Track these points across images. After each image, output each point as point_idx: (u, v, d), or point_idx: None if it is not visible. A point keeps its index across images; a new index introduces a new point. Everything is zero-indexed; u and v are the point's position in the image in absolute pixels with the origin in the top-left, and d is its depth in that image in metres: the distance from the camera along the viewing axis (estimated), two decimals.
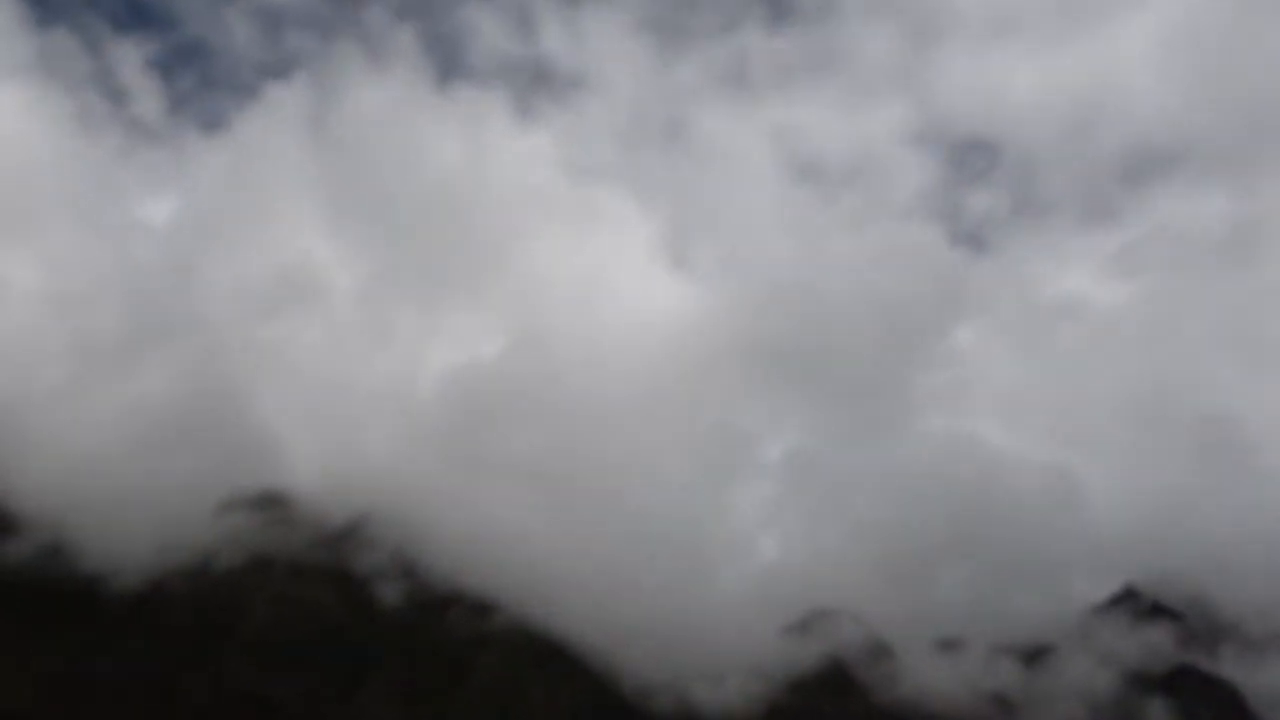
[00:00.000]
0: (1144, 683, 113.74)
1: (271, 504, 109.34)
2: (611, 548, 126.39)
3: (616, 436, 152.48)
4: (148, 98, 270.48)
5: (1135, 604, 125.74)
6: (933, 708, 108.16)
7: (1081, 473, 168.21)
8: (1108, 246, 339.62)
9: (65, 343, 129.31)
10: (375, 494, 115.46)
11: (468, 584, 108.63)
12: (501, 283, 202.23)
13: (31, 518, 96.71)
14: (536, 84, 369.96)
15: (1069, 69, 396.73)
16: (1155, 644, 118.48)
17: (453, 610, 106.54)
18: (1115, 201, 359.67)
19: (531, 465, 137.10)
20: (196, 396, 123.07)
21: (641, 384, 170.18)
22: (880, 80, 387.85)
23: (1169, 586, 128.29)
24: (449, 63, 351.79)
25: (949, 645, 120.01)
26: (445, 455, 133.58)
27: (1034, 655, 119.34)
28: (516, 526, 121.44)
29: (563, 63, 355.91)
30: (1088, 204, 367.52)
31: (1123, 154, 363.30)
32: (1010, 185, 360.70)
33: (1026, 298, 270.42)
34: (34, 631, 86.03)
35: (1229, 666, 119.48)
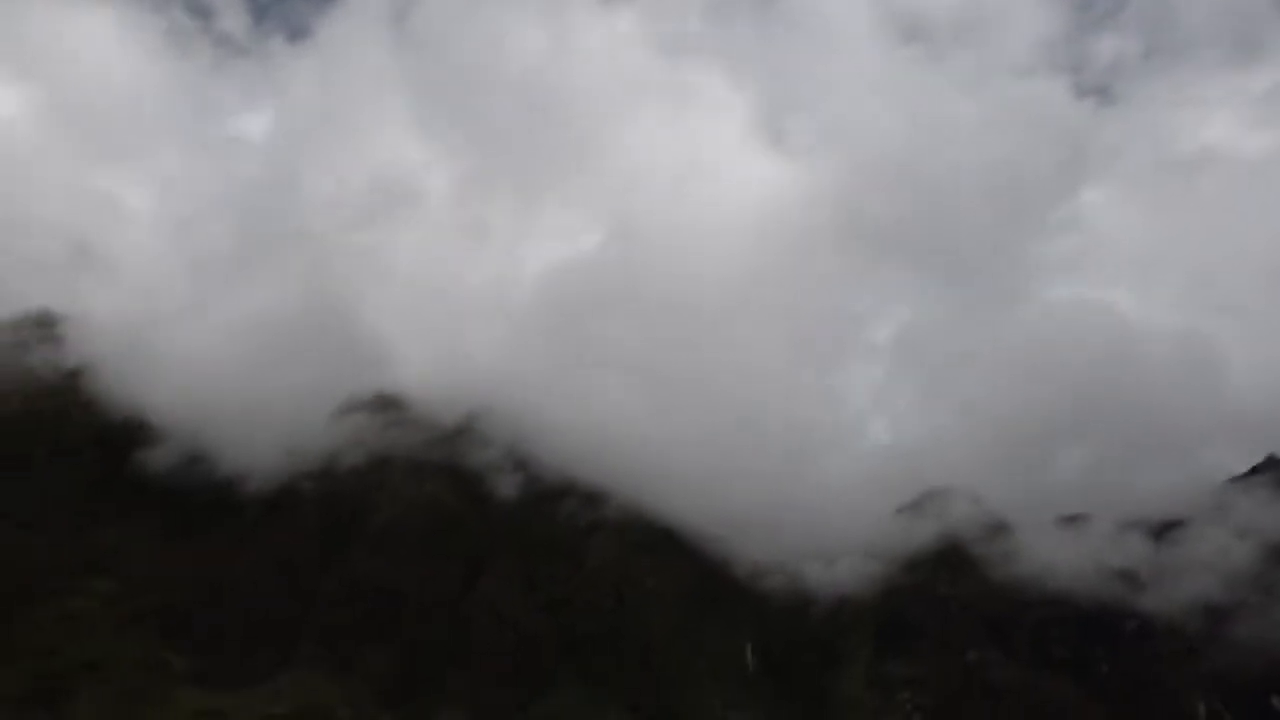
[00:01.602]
0: None
1: (387, 406, 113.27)
2: (720, 434, 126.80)
3: (720, 324, 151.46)
4: (232, 12, 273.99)
5: (1277, 474, 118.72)
6: (1055, 584, 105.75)
7: (1220, 340, 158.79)
8: (1255, 87, 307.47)
9: (182, 260, 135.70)
10: (485, 391, 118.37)
11: (579, 474, 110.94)
12: (596, 173, 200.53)
13: (170, 428, 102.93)
14: None
15: None
16: None
17: (565, 500, 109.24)
18: (1264, 35, 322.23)
19: (636, 357, 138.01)
20: (308, 306, 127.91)
21: (745, 268, 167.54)
22: None
23: None
24: None
25: (1072, 522, 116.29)
26: (550, 350, 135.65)
27: (1164, 530, 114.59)
28: (624, 417, 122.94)
29: None
30: (1232, 39, 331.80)
31: None
32: (1142, 25, 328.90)
33: (1161, 151, 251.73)
34: (178, 532, 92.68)
35: None
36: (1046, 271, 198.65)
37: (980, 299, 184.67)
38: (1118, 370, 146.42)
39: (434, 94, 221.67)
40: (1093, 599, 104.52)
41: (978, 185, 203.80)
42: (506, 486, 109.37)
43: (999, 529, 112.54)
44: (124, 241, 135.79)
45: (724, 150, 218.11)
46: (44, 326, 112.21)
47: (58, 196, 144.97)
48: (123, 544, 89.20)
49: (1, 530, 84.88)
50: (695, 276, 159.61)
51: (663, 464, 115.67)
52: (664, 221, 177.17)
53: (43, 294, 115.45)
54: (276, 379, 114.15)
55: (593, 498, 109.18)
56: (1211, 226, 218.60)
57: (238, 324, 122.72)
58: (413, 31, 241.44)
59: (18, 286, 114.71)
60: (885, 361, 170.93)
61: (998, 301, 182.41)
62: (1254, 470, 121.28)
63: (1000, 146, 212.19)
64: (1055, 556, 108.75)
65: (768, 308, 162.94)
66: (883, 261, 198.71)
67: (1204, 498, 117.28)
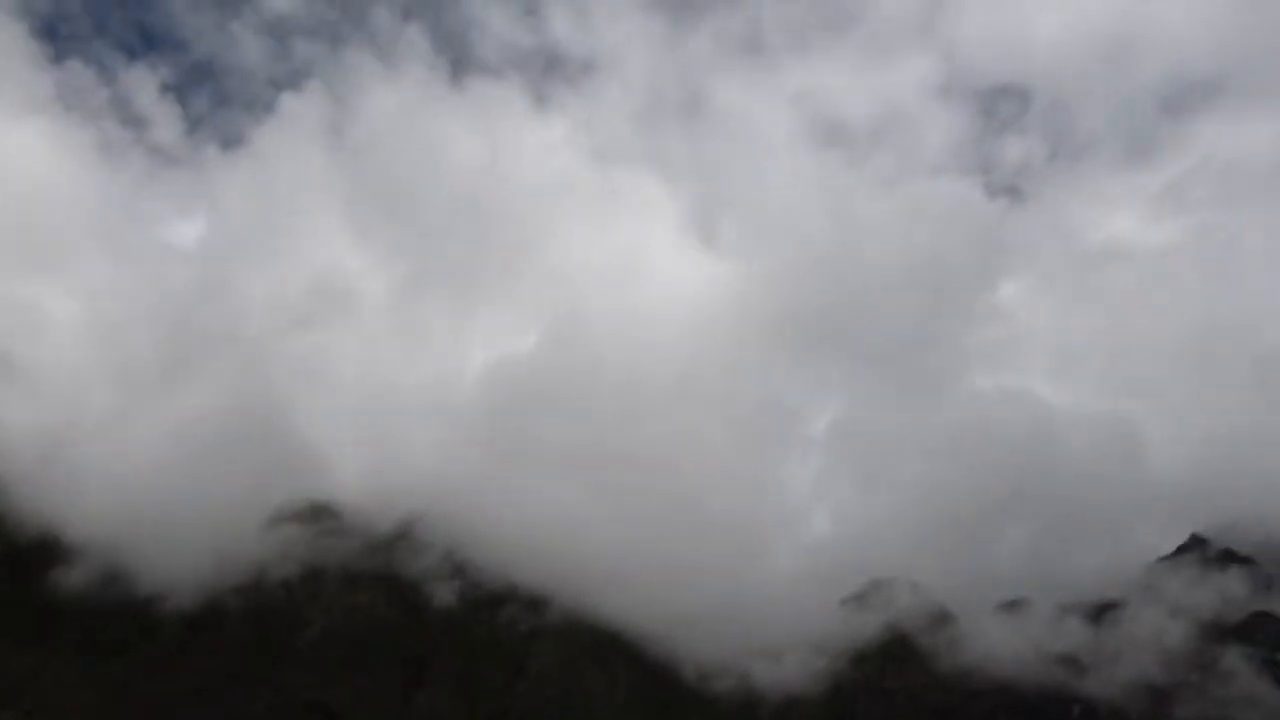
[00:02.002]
0: (1218, 632, 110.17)
1: (320, 515, 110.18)
2: (662, 533, 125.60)
3: (659, 420, 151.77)
4: (165, 122, 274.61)
5: (1203, 552, 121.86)
6: (999, 672, 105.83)
7: (1139, 422, 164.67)
8: (1152, 185, 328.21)
9: (107, 370, 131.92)
10: (422, 497, 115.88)
11: (519, 580, 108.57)
12: (532, 275, 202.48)
13: (87, 545, 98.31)
14: (550, 72, 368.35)
15: (1096, 3, 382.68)
16: (1227, 592, 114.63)
17: (506, 606, 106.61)
18: (1156, 136, 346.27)
19: (576, 456, 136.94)
20: (239, 413, 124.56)
21: (680, 365, 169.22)
22: (899, 35, 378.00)
23: (1237, 532, 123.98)
24: (460, 59, 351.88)
25: (1012, 607, 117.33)
26: (489, 452, 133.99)
27: (1101, 612, 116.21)
28: (565, 519, 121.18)
29: (574, 48, 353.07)
30: (1127, 141, 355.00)
31: (1161, 85, 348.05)
32: (1045, 130, 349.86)
33: (1071, 245, 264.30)
34: (93, 656, 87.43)
35: None
36: (971, 361, 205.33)
37: (910, 388, 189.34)
38: (1045, 454, 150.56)
39: (369, 199, 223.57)
40: (1037, 685, 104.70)
41: (902, 279, 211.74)
42: (444, 594, 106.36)
43: (942, 618, 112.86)
44: (45, 352, 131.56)
45: (657, 250, 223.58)
46: None
47: None
48: (34, 671, 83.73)
49: None
50: (633, 374, 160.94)
51: (604, 565, 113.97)
52: (601, 320, 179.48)
53: None
54: (203, 490, 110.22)
55: (534, 602, 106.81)
56: (1122, 314, 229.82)
57: (163, 433, 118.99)
58: (349, 141, 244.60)
59: None
60: (822, 452, 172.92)
61: (926, 391, 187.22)
62: (1180, 549, 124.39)
63: (921, 242, 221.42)
64: (998, 643, 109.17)
65: (704, 403, 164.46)
66: (815, 354, 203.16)
67: (1135, 577, 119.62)
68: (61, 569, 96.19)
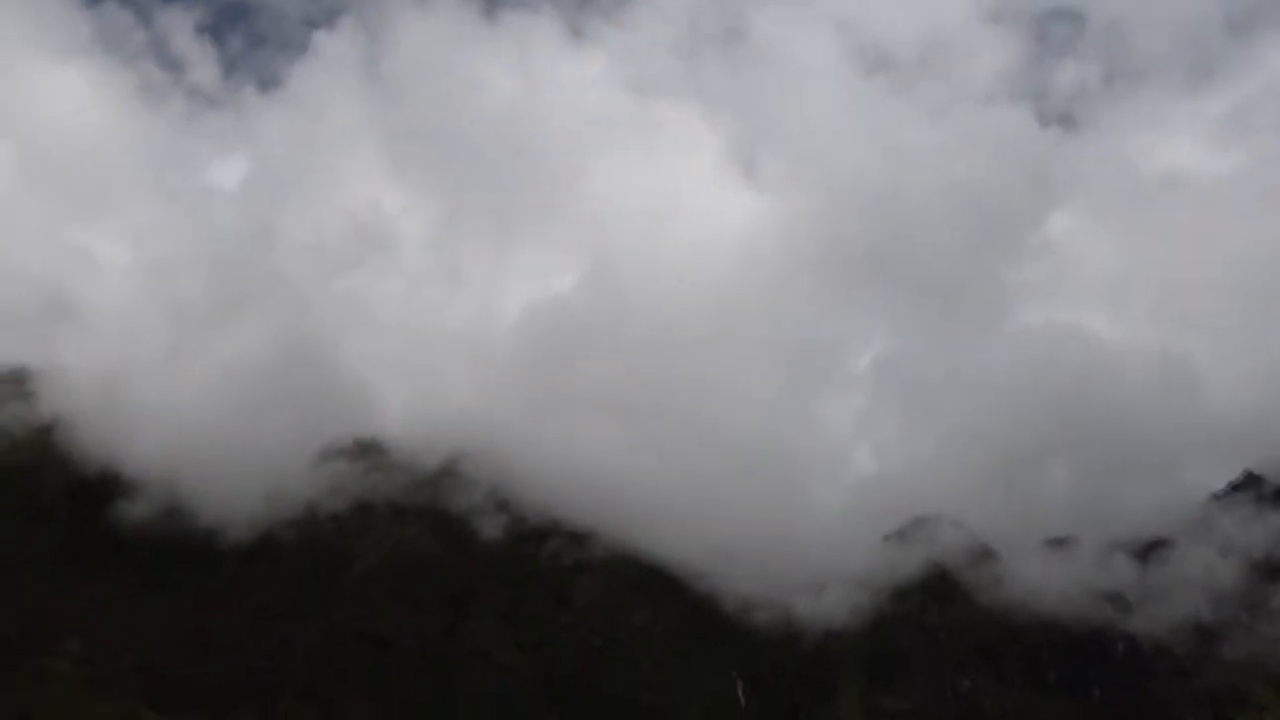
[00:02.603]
0: (1270, 571, 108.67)
1: (367, 451, 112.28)
2: (704, 469, 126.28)
3: (700, 358, 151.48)
4: (203, 64, 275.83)
5: (1258, 490, 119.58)
6: (1043, 608, 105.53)
7: (1195, 357, 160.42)
8: (1213, 110, 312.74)
9: (158, 310, 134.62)
10: (466, 434, 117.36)
11: (563, 514, 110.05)
12: (570, 212, 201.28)
13: (148, 480, 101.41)
14: (585, 4, 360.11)
15: None
16: None
17: (551, 540, 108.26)
18: (1219, 58, 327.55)
19: (617, 393, 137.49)
20: (286, 352, 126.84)
21: (721, 302, 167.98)
22: None
23: None
24: None
25: (1057, 545, 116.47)
26: (531, 390, 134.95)
27: (1149, 550, 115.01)
28: (608, 455, 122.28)
29: None
30: (1188, 64, 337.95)
31: (1224, 3, 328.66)
32: (1100, 53, 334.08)
33: (1127, 175, 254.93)
34: (155, 586, 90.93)
35: None
36: (1021, 295, 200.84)
37: (957, 324, 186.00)
38: (1096, 391, 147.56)
39: (407, 140, 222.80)
40: (1082, 622, 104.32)
41: (949, 211, 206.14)
42: (490, 529, 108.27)
43: (985, 554, 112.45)
44: (98, 294, 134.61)
45: (697, 185, 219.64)
46: (16, 383, 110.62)
47: (31, 251, 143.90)
48: (97, 601, 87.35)
49: None
50: (673, 311, 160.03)
51: (647, 501, 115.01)
52: (641, 258, 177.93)
53: (15, 349, 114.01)
54: (255, 427, 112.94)
55: (577, 537, 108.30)
56: (1179, 246, 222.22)
57: (214, 373, 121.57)
58: (384, 78, 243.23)
59: None
60: (866, 389, 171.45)
61: (974, 326, 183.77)
62: (1234, 487, 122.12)
63: (969, 173, 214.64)
64: (1043, 580, 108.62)
65: (747, 339, 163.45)
66: (859, 289, 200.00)
67: (1187, 516, 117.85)
68: (123, 502, 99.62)
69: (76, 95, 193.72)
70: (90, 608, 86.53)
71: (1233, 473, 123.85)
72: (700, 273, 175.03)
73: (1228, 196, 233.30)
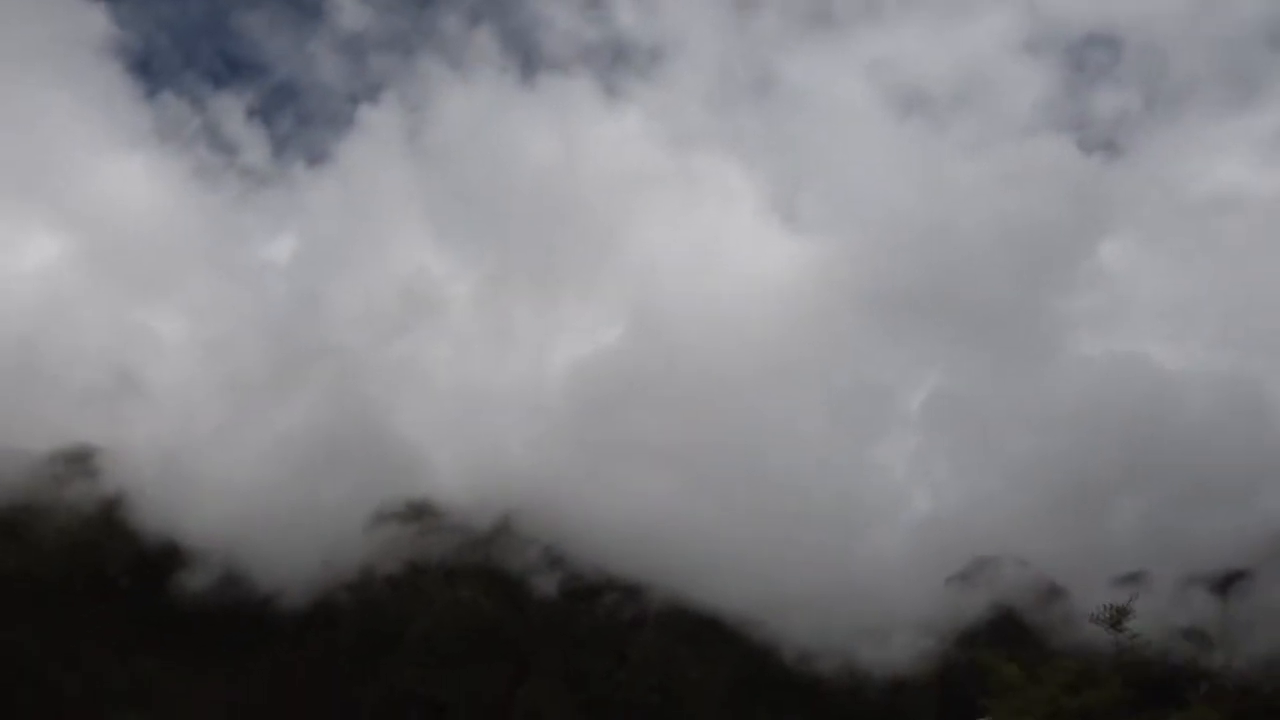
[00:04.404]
0: None
1: (420, 514, 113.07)
2: (758, 516, 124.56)
3: (751, 405, 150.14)
4: (254, 145, 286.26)
5: None
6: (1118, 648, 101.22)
7: (1262, 380, 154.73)
8: (1261, 126, 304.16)
9: (216, 383, 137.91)
10: (518, 493, 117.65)
11: (618, 569, 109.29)
12: (614, 267, 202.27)
13: (204, 551, 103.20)
14: (618, 63, 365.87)
15: None
16: None
17: (606, 596, 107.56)
18: (1263, 74, 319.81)
19: (669, 445, 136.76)
20: (340, 419, 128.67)
21: (769, 348, 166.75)
22: None
23: None
24: (529, 57, 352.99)
25: (1130, 580, 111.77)
26: (581, 446, 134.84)
27: (1228, 582, 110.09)
28: (661, 507, 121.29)
29: (640, 37, 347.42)
30: (1231, 82, 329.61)
31: (1265, 16, 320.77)
32: (1139, 78, 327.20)
33: (1176, 198, 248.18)
34: (215, 655, 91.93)
35: None
36: (1075, 327, 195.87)
37: (1010, 359, 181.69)
38: (1160, 421, 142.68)
39: (451, 205, 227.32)
40: (1160, 661, 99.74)
41: (995, 245, 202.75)
42: (545, 586, 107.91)
43: (1053, 594, 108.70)
44: (159, 370, 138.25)
45: (739, 233, 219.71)
46: (81, 460, 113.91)
47: (96, 333, 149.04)
48: (160, 673, 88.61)
49: (38, 666, 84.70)
50: (721, 360, 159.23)
51: (703, 551, 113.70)
52: (685, 307, 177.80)
53: (81, 427, 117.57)
54: (310, 494, 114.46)
55: (633, 591, 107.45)
56: (1237, 268, 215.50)
57: (271, 442, 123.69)
58: (427, 147, 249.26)
59: (56, 420, 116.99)
60: (920, 429, 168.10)
61: (1028, 360, 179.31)
62: None
63: (1014, 206, 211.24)
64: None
65: (796, 384, 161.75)
66: (908, 329, 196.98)
67: (1265, 545, 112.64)
68: (184, 573, 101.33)
69: (136, 182, 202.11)
70: (153, 680, 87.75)
71: None
72: (746, 320, 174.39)
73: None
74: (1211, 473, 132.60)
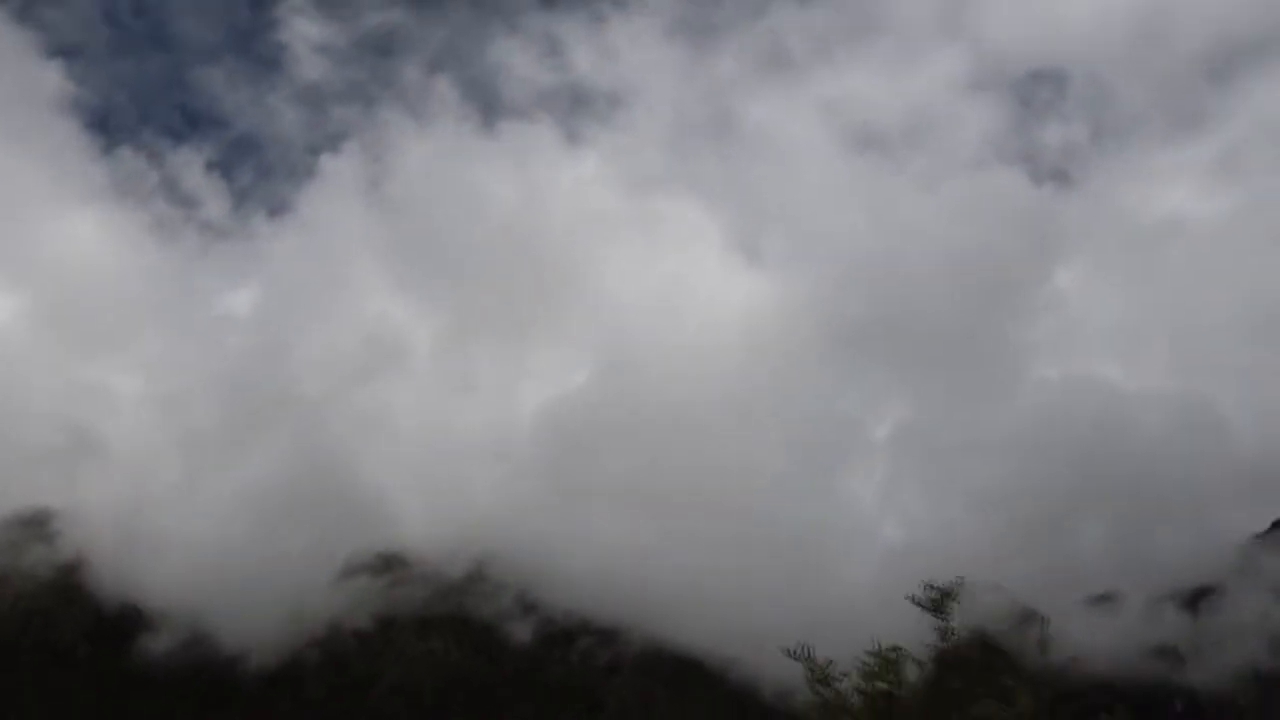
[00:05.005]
0: None
1: (390, 565, 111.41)
2: (729, 554, 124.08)
3: (718, 443, 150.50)
4: (214, 197, 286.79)
5: None
6: (1093, 668, 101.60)
7: (1215, 399, 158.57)
8: (1203, 156, 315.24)
9: (176, 439, 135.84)
10: (488, 540, 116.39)
11: (592, 613, 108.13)
12: (579, 310, 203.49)
13: (167, 613, 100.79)
14: (578, 108, 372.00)
15: None
16: None
17: (581, 640, 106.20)
18: (1203, 104, 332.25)
19: (638, 486, 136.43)
20: (305, 471, 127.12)
21: (735, 386, 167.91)
22: (924, 33, 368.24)
23: None
24: (489, 105, 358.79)
25: (1101, 601, 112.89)
26: (551, 490, 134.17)
27: (1197, 598, 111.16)
28: (633, 549, 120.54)
29: (599, 82, 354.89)
30: (1173, 113, 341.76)
31: (1203, 50, 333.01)
32: (1085, 110, 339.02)
33: (1125, 225, 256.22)
34: (184, 717, 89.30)
35: None
36: (1033, 353, 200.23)
37: (971, 387, 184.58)
38: (1119, 441, 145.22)
39: (414, 252, 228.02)
40: (1135, 680, 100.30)
41: (953, 276, 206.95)
42: (519, 633, 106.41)
43: (1026, 617, 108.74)
44: (117, 429, 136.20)
45: (701, 273, 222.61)
46: (38, 524, 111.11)
47: (52, 393, 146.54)
48: None
49: None
50: (688, 399, 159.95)
51: (677, 591, 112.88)
52: (651, 348, 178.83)
53: (37, 490, 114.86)
54: (275, 549, 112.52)
55: (609, 635, 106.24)
56: (1186, 291, 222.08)
57: (233, 498, 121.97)
58: (388, 195, 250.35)
59: (11, 483, 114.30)
60: (887, 460, 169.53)
61: (990, 387, 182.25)
62: (1274, 525, 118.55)
63: (969, 237, 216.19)
64: (1089, 639, 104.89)
65: (763, 420, 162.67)
66: (871, 362, 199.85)
67: (1230, 560, 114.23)
68: (146, 636, 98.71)
69: (93, 239, 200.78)
70: None
71: (1269, 511, 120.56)
72: (712, 359, 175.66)
73: (1227, 238, 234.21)
74: (1172, 489, 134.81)
